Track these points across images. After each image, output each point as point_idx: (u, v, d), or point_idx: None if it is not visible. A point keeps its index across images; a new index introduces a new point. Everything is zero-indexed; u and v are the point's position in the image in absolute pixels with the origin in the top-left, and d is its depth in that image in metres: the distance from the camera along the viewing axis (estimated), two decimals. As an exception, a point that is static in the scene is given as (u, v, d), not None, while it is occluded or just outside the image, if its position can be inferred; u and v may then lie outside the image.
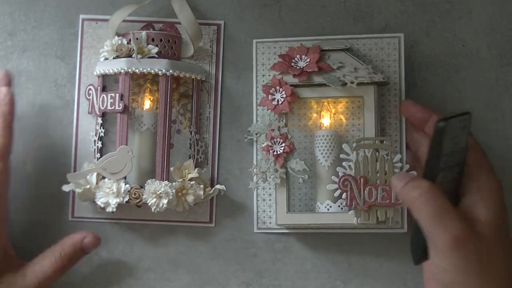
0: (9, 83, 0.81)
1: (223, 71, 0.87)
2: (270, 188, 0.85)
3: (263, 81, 0.86)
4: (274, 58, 0.85)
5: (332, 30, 0.87)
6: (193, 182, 0.82)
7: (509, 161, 0.87)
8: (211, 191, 0.84)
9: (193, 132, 0.85)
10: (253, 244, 0.86)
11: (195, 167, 0.83)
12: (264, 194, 0.86)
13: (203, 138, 0.86)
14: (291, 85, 0.82)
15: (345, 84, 0.81)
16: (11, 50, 0.87)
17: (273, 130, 0.83)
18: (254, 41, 0.86)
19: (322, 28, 0.87)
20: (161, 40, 0.84)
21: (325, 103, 0.85)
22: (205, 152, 0.86)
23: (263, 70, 0.86)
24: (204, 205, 0.86)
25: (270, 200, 0.85)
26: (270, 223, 0.86)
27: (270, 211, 0.86)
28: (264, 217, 0.86)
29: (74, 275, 0.85)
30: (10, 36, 0.87)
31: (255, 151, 0.85)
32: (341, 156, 0.81)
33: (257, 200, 0.86)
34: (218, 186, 0.85)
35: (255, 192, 0.86)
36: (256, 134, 0.85)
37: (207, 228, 0.86)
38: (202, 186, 0.83)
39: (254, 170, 0.83)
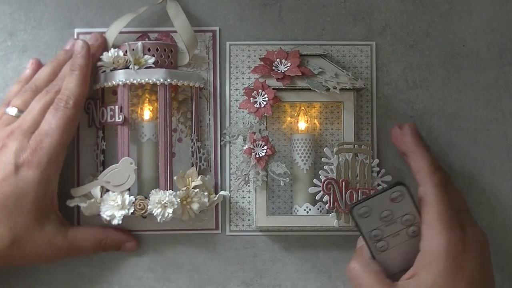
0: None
1: (221, 77, 0.87)
2: (243, 191, 0.86)
3: (237, 83, 0.86)
4: (248, 61, 0.86)
5: (332, 30, 0.87)
6: (197, 189, 0.82)
7: (509, 161, 0.87)
8: (216, 198, 0.84)
9: (194, 140, 0.85)
10: (253, 244, 0.86)
11: (198, 175, 0.83)
12: (237, 197, 0.86)
13: (205, 145, 0.86)
14: (273, 89, 0.82)
15: (328, 89, 0.81)
16: (11, 50, 0.87)
17: (254, 133, 0.83)
18: (228, 43, 0.87)
19: (322, 28, 0.87)
20: (157, 50, 0.84)
21: (302, 107, 0.86)
22: (208, 159, 0.86)
23: (237, 72, 0.86)
24: (209, 212, 0.86)
25: (243, 202, 0.86)
26: (243, 225, 0.86)
27: (243, 214, 0.86)
28: (237, 219, 0.86)
29: (74, 274, 0.85)
30: (10, 36, 0.87)
31: (228, 154, 0.86)
32: (323, 160, 0.82)
33: (230, 203, 0.86)
34: (222, 193, 0.85)
35: (227, 194, 0.86)
36: (233, 136, 0.85)
37: (214, 234, 0.86)
38: (206, 193, 0.82)
39: (236, 172, 0.83)
